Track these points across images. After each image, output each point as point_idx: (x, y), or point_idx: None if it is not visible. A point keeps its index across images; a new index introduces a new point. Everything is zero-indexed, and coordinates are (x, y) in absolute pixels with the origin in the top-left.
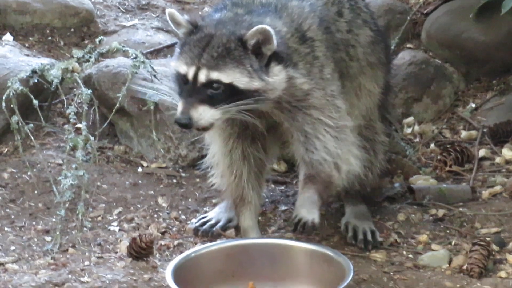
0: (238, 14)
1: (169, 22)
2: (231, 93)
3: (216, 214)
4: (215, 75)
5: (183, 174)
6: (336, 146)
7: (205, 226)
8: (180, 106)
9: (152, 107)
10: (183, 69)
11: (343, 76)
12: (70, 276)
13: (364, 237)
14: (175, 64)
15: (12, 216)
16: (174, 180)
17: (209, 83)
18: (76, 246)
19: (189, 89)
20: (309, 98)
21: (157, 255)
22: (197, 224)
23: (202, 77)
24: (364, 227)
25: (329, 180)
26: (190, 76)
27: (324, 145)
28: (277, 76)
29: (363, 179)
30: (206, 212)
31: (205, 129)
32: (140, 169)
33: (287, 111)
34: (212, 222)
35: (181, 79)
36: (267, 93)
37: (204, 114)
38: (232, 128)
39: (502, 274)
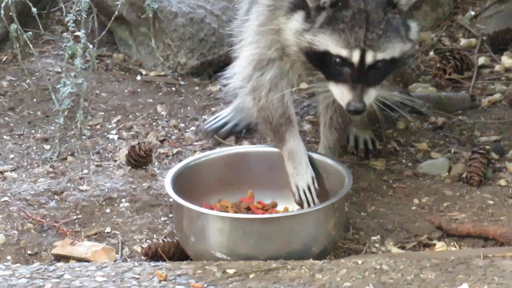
0: None
1: None
2: (388, 66)
3: (231, 115)
4: (381, 55)
5: (182, 82)
6: None
7: (226, 127)
8: (351, 93)
9: (150, 15)
10: (342, 51)
11: None
12: (69, 184)
13: (365, 146)
14: (325, 43)
15: (11, 124)
16: (173, 88)
17: (375, 64)
18: (75, 154)
19: (355, 72)
20: None
21: (156, 163)
22: (217, 125)
23: (369, 60)
24: (365, 136)
25: (350, 119)
26: (355, 59)
27: None
28: (416, 32)
29: None
30: (205, 120)
31: None
32: (139, 77)
33: None
34: (234, 122)
35: (335, 61)
36: (408, 54)
37: (372, 96)
38: None
39: (502, 182)
